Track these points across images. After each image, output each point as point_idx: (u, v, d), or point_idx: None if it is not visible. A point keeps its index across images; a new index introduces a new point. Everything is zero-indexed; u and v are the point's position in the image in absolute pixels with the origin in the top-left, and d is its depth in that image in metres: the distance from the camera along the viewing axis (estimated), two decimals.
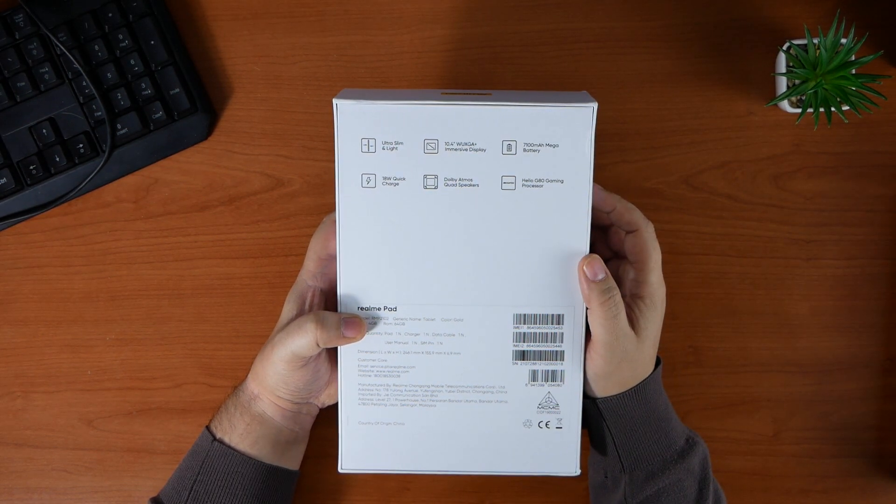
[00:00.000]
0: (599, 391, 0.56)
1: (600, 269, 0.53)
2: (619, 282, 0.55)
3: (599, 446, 0.58)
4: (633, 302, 0.55)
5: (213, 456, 0.57)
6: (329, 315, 0.54)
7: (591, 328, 0.54)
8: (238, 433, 0.57)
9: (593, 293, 0.52)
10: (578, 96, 0.54)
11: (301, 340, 0.53)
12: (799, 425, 0.64)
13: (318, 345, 0.53)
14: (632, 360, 0.54)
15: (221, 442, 0.57)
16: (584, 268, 0.53)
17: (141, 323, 0.65)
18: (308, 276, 0.57)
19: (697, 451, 0.56)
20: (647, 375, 0.56)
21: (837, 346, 0.64)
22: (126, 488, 0.65)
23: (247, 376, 0.58)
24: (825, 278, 0.64)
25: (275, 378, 0.55)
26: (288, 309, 0.57)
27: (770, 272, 0.64)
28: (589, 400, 0.57)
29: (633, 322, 0.54)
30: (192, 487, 0.56)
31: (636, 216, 0.55)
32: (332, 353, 0.57)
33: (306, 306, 0.56)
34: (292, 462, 0.60)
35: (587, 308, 0.54)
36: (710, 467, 0.57)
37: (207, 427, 0.58)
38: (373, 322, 0.55)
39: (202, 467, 0.56)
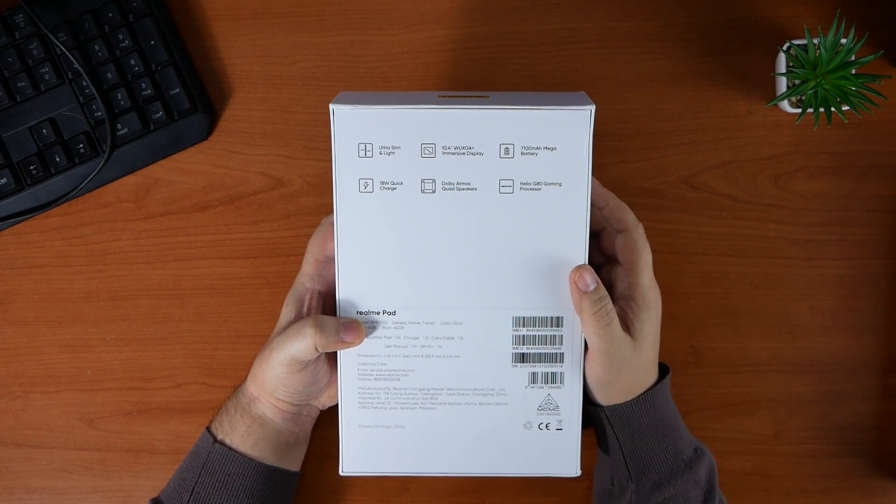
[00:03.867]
0: (603, 399, 0.56)
1: (591, 280, 0.52)
2: (611, 285, 0.55)
3: (607, 453, 0.58)
4: (626, 304, 0.55)
5: (214, 457, 0.57)
6: (328, 320, 0.54)
7: (586, 338, 0.54)
8: (239, 435, 0.57)
9: (585, 304, 0.52)
10: (576, 98, 0.54)
11: (300, 345, 0.53)
12: (799, 425, 0.64)
13: (316, 349, 0.53)
14: (631, 365, 0.54)
15: (222, 443, 0.57)
16: (575, 279, 0.53)
17: (141, 323, 0.65)
18: (306, 279, 0.57)
19: (704, 462, 0.56)
20: (651, 381, 0.56)
21: (837, 346, 0.64)
22: (126, 488, 0.65)
23: (246, 378, 0.58)
24: (825, 278, 0.64)
25: (274, 381, 0.55)
26: (286, 312, 0.57)
27: (770, 272, 0.64)
28: (597, 407, 0.57)
29: (627, 325, 0.54)
30: (193, 489, 0.56)
31: (627, 215, 0.55)
32: (332, 356, 0.57)
33: (304, 309, 0.56)
34: (293, 463, 0.60)
35: (580, 318, 0.54)
36: (716, 479, 0.57)
37: (208, 428, 0.58)
38: (372, 326, 0.55)
39: (203, 468, 0.56)
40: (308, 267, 0.57)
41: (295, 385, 0.56)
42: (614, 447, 0.56)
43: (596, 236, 0.57)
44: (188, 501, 0.56)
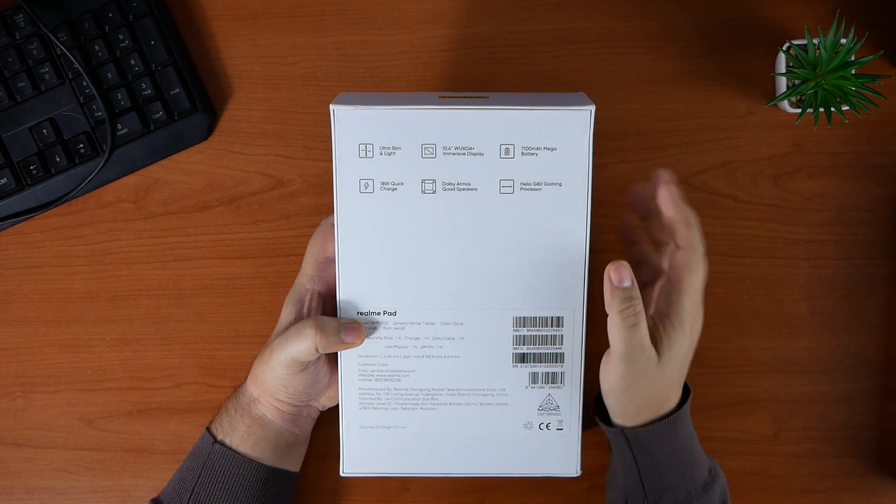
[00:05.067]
0: (615, 406, 0.55)
1: (627, 276, 0.50)
2: (649, 300, 0.54)
3: (623, 471, 0.56)
4: (660, 320, 0.53)
5: (214, 458, 0.57)
6: (328, 321, 0.54)
7: (609, 338, 0.52)
8: (239, 435, 0.57)
9: (615, 299, 0.50)
10: (576, 98, 0.54)
11: (300, 346, 0.53)
12: (799, 425, 0.64)
13: (317, 350, 0.53)
14: (649, 380, 0.53)
15: (223, 444, 0.57)
16: (611, 273, 0.51)
17: (141, 323, 0.65)
18: (306, 280, 0.57)
19: (718, 484, 0.55)
20: (673, 401, 0.55)
21: (837, 346, 0.64)
22: (126, 488, 0.65)
23: (246, 378, 0.58)
24: (825, 278, 0.64)
25: (274, 382, 0.55)
26: (286, 312, 0.57)
27: (770, 272, 0.64)
28: (617, 429, 0.55)
29: (655, 341, 0.52)
30: (193, 489, 0.56)
31: (693, 234, 0.53)
32: (332, 357, 0.57)
33: (304, 310, 0.56)
34: (293, 464, 0.60)
35: (607, 316, 0.52)
36: (728, 498, 0.56)
37: (208, 428, 0.58)
38: (373, 327, 0.55)
39: (203, 469, 0.57)
40: (308, 268, 0.57)
41: (295, 386, 0.56)
42: (630, 467, 0.55)
43: (645, 218, 0.56)
44: (188, 502, 0.56)
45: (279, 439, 0.58)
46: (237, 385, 0.59)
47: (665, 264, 0.55)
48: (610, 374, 0.53)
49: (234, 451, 0.57)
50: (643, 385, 0.53)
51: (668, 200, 0.53)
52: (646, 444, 0.54)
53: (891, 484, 0.64)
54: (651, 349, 0.52)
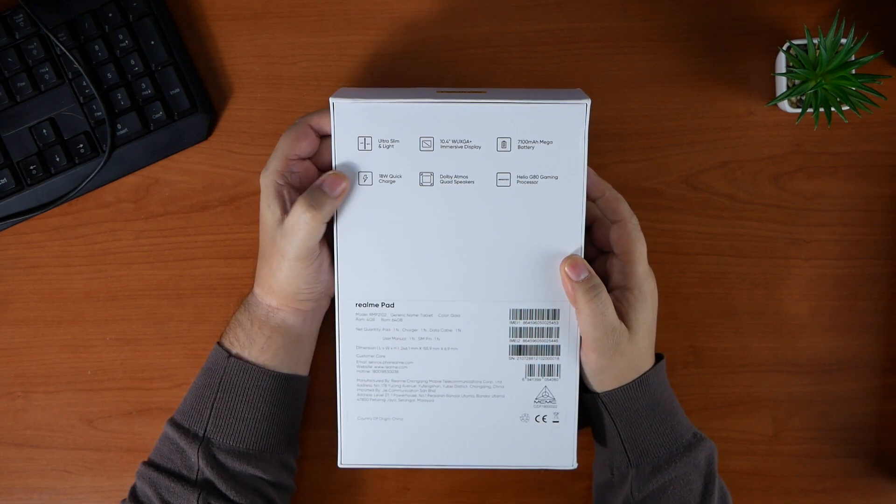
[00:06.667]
0: (598, 386, 0.56)
1: (583, 268, 0.53)
2: (606, 276, 0.56)
3: (605, 442, 0.58)
4: (621, 295, 0.55)
5: (230, 371, 0.57)
6: (311, 193, 0.53)
7: (581, 327, 0.54)
8: (258, 347, 0.57)
9: (579, 293, 0.53)
10: (572, 93, 0.55)
11: (303, 231, 0.52)
12: (799, 425, 0.64)
13: (323, 222, 0.53)
14: (625, 353, 0.55)
15: (239, 357, 0.57)
16: (567, 269, 0.53)
17: (141, 323, 0.65)
18: (276, 176, 0.55)
19: (704, 447, 0.56)
20: (647, 367, 0.57)
21: (837, 346, 0.64)
22: (126, 488, 0.65)
23: (254, 292, 0.58)
24: (825, 278, 0.64)
25: (295, 283, 0.55)
26: (271, 212, 0.54)
27: (770, 272, 0.64)
28: (591, 395, 0.57)
29: (622, 315, 0.55)
30: (213, 405, 0.57)
31: (622, 206, 0.56)
32: (328, 246, 0.56)
33: (287, 204, 0.55)
34: (304, 368, 0.60)
35: (575, 308, 0.54)
36: (716, 465, 0.57)
37: (220, 343, 0.58)
38: (370, 318, 0.55)
39: (221, 383, 0.57)
40: (276, 163, 0.55)
41: (314, 276, 0.55)
42: (612, 434, 0.57)
43: (588, 229, 0.57)
44: (209, 416, 0.56)
45: (298, 343, 0.58)
46: (243, 299, 0.59)
47: (603, 243, 0.57)
48: (588, 358, 0.55)
49: (251, 363, 0.57)
50: (620, 359, 0.55)
51: (592, 182, 0.55)
52: (621, 404, 0.56)
53: (891, 484, 0.64)
54: (622, 326, 0.54)
